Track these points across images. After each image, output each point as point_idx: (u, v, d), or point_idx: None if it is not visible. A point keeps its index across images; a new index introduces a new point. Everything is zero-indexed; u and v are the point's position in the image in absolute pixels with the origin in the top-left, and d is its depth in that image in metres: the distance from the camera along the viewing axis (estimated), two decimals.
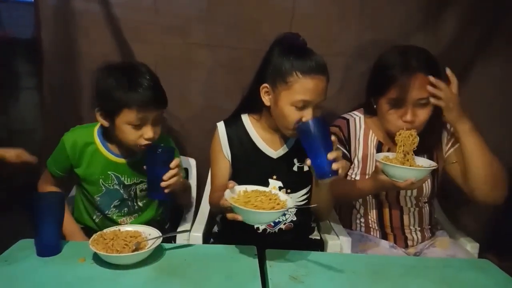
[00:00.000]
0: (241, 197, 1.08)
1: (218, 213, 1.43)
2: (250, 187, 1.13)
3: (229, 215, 1.06)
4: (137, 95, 1.20)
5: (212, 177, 1.38)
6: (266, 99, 1.25)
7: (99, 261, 1.01)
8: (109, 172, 1.33)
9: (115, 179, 1.34)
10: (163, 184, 1.19)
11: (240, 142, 1.33)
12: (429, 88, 1.25)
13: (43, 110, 1.67)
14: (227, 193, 1.07)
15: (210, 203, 1.40)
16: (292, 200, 1.13)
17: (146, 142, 1.24)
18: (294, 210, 1.33)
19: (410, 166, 1.20)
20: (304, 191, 1.33)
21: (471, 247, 1.42)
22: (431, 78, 1.25)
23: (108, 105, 1.23)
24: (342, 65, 1.65)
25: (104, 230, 1.10)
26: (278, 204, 1.05)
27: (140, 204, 1.39)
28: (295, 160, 1.32)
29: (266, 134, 1.33)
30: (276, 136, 1.32)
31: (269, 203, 1.05)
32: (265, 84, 1.24)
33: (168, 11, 1.60)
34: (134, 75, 1.23)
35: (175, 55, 1.63)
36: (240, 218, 1.03)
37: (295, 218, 1.35)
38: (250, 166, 1.32)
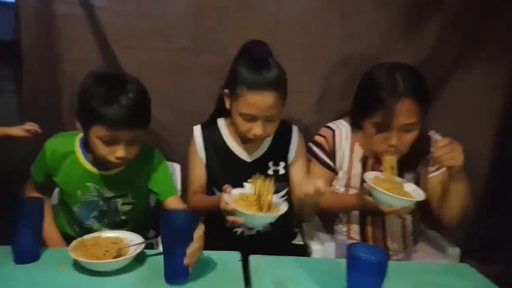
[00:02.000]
0: (239, 200, 1.13)
1: (202, 214, 1.44)
2: (243, 190, 1.19)
3: (230, 218, 1.11)
4: (110, 111, 1.10)
5: (189, 180, 1.40)
6: (227, 103, 1.29)
7: (80, 268, 0.98)
8: (87, 184, 1.26)
9: (94, 191, 1.27)
10: (186, 262, 0.93)
11: (215, 145, 1.36)
12: (441, 151, 1.17)
13: (22, 115, 1.63)
14: (226, 197, 1.11)
15: (192, 205, 1.39)
16: (283, 201, 1.19)
17: (117, 160, 1.17)
18: None
19: (398, 193, 1.16)
20: (281, 194, 1.34)
21: (452, 251, 1.43)
22: (441, 140, 1.18)
23: (82, 114, 1.17)
24: (324, 73, 1.67)
25: (85, 236, 1.08)
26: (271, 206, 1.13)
27: (123, 217, 1.33)
28: (270, 164, 1.34)
29: (240, 138, 1.34)
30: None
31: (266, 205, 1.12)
32: (226, 90, 1.28)
33: (153, 16, 1.59)
34: (114, 89, 1.13)
35: (159, 60, 1.62)
36: (241, 221, 1.09)
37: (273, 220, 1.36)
38: (225, 170, 1.34)
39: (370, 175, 1.25)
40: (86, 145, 1.25)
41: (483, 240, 1.71)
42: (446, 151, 1.15)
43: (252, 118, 1.21)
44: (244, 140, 1.33)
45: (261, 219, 1.12)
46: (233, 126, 1.32)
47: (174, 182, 1.39)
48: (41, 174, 1.30)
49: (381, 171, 1.28)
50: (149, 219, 1.46)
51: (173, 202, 1.31)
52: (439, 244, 1.49)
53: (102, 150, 1.16)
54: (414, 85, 1.23)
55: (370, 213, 1.40)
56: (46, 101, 1.62)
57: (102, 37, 1.58)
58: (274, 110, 1.22)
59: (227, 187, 1.14)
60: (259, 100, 1.18)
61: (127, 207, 1.32)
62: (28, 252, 1.02)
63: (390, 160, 1.26)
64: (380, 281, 0.86)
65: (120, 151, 1.15)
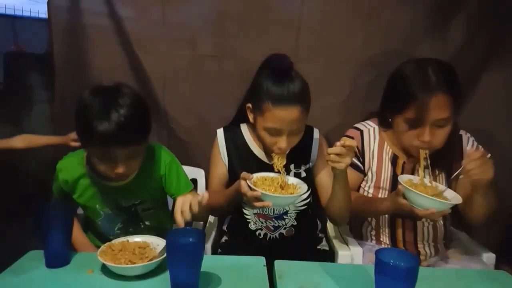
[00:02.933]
0: (260, 185, 1.16)
1: (222, 212, 1.46)
2: (259, 175, 1.22)
3: (258, 204, 1.11)
4: (101, 128, 1.05)
5: (210, 179, 1.41)
6: (251, 117, 1.28)
7: (108, 273, 1.00)
8: (104, 197, 1.26)
9: (113, 203, 1.27)
10: (177, 218, 1.05)
11: (237, 148, 1.37)
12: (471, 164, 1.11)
13: (54, 123, 1.70)
14: (249, 183, 1.13)
15: (210, 202, 1.38)
16: (300, 181, 1.23)
17: (117, 177, 1.15)
18: (294, 214, 1.37)
19: (433, 195, 1.13)
20: (303, 196, 1.32)
21: (487, 258, 1.37)
22: (474, 153, 1.12)
23: (77, 129, 1.13)
24: (350, 74, 1.65)
25: (113, 241, 1.10)
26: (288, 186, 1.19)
27: (147, 223, 1.32)
28: (292, 166, 1.34)
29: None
30: None
31: (287, 187, 1.18)
32: (248, 104, 1.27)
33: (176, 24, 1.63)
34: (106, 105, 1.07)
35: (183, 66, 1.65)
36: (270, 204, 1.11)
37: (295, 223, 1.36)
38: (246, 171, 1.33)
39: (404, 178, 1.21)
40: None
41: None
42: (477, 165, 1.11)
43: (277, 132, 1.21)
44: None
45: (287, 199, 1.15)
46: (257, 138, 1.33)
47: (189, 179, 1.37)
48: (61, 194, 1.29)
49: (412, 169, 1.24)
50: (172, 221, 1.47)
51: None
52: (473, 250, 1.43)
53: (101, 166, 1.14)
54: (446, 79, 1.21)
55: (400, 216, 1.36)
56: None
57: (129, 46, 1.63)
58: (299, 123, 1.22)
59: (247, 175, 1.14)
60: (285, 115, 1.18)
61: (148, 213, 1.31)
62: (59, 256, 1.05)
63: (422, 152, 1.25)
64: (411, 287, 0.83)
65: (118, 168, 1.12)
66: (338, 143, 1.10)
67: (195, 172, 1.59)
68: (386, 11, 1.60)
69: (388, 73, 1.34)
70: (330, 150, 1.11)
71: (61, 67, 1.64)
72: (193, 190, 1.36)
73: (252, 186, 1.11)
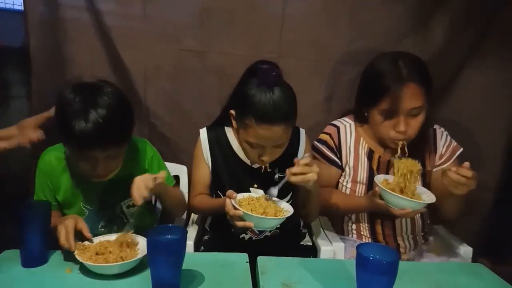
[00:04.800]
0: (244, 205, 1.12)
1: (205, 216, 1.45)
2: (246, 195, 1.18)
3: (240, 224, 1.09)
4: (78, 128, 1.01)
5: (192, 181, 1.39)
6: (234, 123, 1.26)
7: (86, 272, 0.99)
8: (88, 194, 1.23)
9: (96, 200, 1.24)
10: (134, 193, 1.04)
11: (221, 149, 1.34)
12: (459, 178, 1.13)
13: None
14: (233, 202, 1.10)
15: (194, 206, 1.38)
16: (287, 204, 1.18)
17: (97, 177, 1.13)
18: None
19: (409, 195, 1.17)
20: (286, 199, 1.32)
21: (465, 251, 1.40)
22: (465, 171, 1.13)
23: (58, 127, 1.08)
24: (332, 71, 1.65)
25: (93, 239, 1.08)
26: (275, 208, 1.13)
27: (131, 221, 1.28)
28: (276, 170, 1.32)
29: None
30: None
31: (271, 208, 1.11)
32: (232, 111, 1.24)
33: (159, 18, 1.59)
34: (84, 104, 1.03)
35: (166, 62, 1.62)
36: (252, 225, 1.08)
37: (279, 225, 1.34)
38: (230, 174, 1.33)
39: (380, 178, 1.25)
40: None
41: (494, 239, 1.67)
42: (463, 182, 1.13)
43: (259, 147, 1.19)
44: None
45: (271, 221, 1.10)
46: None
47: (171, 175, 1.38)
48: (44, 192, 1.23)
49: (387, 163, 1.25)
50: (155, 218, 1.45)
51: None
52: (451, 243, 1.46)
53: (82, 166, 1.11)
54: (417, 70, 1.27)
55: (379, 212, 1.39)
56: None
57: (109, 41, 1.59)
58: (284, 138, 1.20)
59: (231, 193, 1.11)
60: (268, 133, 1.14)
61: (132, 209, 1.29)
62: (36, 255, 1.03)
63: (399, 143, 1.29)
64: (391, 281, 0.84)
65: (96, 169, 1.09)
66: (302, 161, 1.12)
67: (177, 169, 1.57)
68: (370, 8, 1.61)
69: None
70: (295, 170, 1.11)
71: (38, 61, 1.58)
72: (176, 185, 1.35)
73: (236, 205, 1.09)
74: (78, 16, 1.58)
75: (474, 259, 1.39)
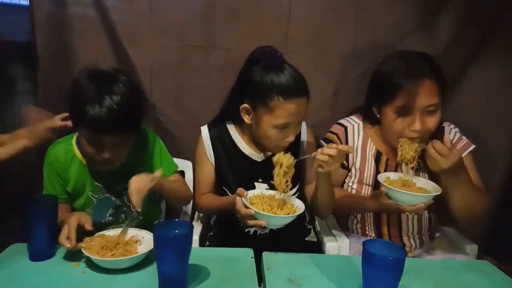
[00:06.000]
0: (255, 203, 1.12)
1: (212, 215, 1.44)
2: (257, 192, 1.18)
3: (251, 222, 1.09)
4: (92, 113, 1.05)
5: (196, 180, 1.39)
6: (247, 118, 1.25)
7: (93, 266, 0.99)
8: (96, 182, 1.25)
9: (104, 188, 1.26)
10: (133, 198, 1.06)
11: (224, 145, 1.34)
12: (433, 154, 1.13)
13: None
14: (244, 200, 1.09)
15: (201, 205, 1.38)
16: (299, 200, 1.17)
17: (104, 162, 1.15)
18: None
19: (411, 188, 1.17)
20: (291, 192, 1.32)
21: (470, 249, 1.40)
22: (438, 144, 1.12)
23: (70, 111, 1.14)
24: (338, 68, 1.64)
25: (98, 233, 1.08)
26: (285, 205, 1.13)
27: (138, 209, 1.34)
28: None
29: (249, 138, 1.33)
30: None
31: (280, 205, 1.12)
32: (245, 105, 1.23)
33: (164, 14, 1.59)
34: (100, 90, 1.07)
35: (171, 58, 1.63)
36: (264, 223, 1.07)
37: None
38: (234, 170, 1.33)
39: (382, 177, 1.24)
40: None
41: (500, 237, 1.66)
42: (435, 157, 1.12)
43: (286, 126, 1.18)
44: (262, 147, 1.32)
45: (283, 219, 1.09)
46: (248, 137, 1.31)
47: (173, 161, 1.39)
48: (53, 185, 1.25)
49: (395, 166, 1.23)
50: (159, 209, 1.46)
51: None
52: (456, 241, 1.46)
53: (88, 149, 1.14)
54: (431, 67, 1.24)
55: (385, 212, 1.38)
56: (60, 100, 1.63)
57: (115, 37, 1.60)
58: (306, 112, 1.21)
59: (242, 191, 1.11)
60: (296, 108, 1.16)
61: None
62: (43, 249, 1.04)
63: (407, 145, 1.24)
64: (397, 278, 0.84)
65: (104, 153, 1.12)
66: (334, 145, 1.09)
67: (182, 164, 1.58)
68: (375, 5, 1.60)
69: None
70: (326, 150, 1.08)
71: (44, 57, 1.59)
72: (177, 172, 1.35)
73: (247, 203, 1.08)
74: (84, 12, 1.58)
75: (480, 256, 1.39)
